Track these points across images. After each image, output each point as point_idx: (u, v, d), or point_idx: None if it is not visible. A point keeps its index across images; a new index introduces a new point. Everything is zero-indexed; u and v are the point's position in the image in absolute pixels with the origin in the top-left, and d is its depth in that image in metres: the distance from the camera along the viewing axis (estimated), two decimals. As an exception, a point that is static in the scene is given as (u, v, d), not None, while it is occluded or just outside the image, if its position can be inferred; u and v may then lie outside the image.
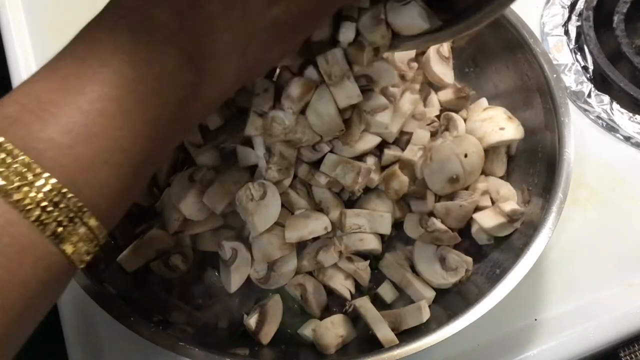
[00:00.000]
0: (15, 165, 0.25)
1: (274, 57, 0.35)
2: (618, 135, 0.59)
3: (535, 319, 0.50)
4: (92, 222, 0.27)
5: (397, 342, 0.43)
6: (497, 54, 0.55)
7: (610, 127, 0.59)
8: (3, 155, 0.25)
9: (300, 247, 0.48)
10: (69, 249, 0.26)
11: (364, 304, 0.46)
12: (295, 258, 0.47)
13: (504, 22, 0.53)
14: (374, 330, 0.44)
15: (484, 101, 0.55)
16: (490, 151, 0.51)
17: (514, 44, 0.53)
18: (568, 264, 0.52)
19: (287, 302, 0.48)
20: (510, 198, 0.50)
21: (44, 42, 0.62)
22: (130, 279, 0.46)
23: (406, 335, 0.45)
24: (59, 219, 0.26)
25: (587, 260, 0.53)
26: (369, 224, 0.47)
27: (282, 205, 0.45)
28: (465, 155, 0.49)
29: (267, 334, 0.46)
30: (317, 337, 0.45)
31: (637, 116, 0.59)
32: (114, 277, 0.45)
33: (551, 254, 0.53)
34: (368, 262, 0.48)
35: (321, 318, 0.47)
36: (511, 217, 0.47)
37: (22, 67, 0.61)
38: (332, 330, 0.45)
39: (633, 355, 0.52)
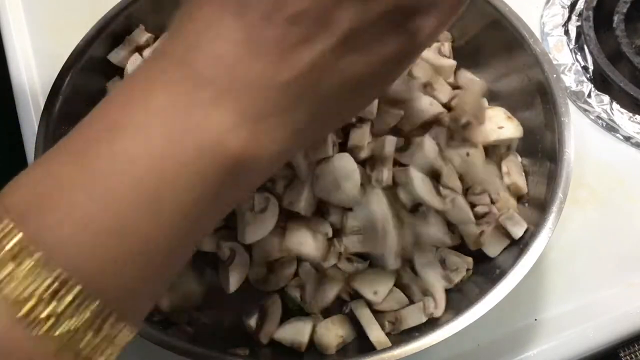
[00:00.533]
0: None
1: (344, 116, 0.31)
2: (618, 135, 0.59)
3: (535, 319, 0.50)
4: (125, 334, 0.24)
5: (390, 344, 0.43)
6: (497, 53, 0.55)
7: (610, 127, 0.59)
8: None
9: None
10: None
11: (359, 306, 0.46)
12: (295, 259, 0.47)
13: (504, 22, 0.53)
14: (367, 332, 0.44)
15: (483, 102, 0.55)
16: (490, 151, 0.51)
17: (514, 44, 0.52)
18: (568, 264, 0.52)
19: (287, 302, 0.48)
20: (510, 199, 0.50)
21: (44, 42, 0.62)
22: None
23: (406, 335, 0.45)
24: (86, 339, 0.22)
25: (587, 260, 0.53)
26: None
27: (282, 207, 0.45)
28: (467, 155, 0.49)
29: (267, 334, 0.46)
30: (317, 337, 0.45)
31: (637, 116, 0.59)
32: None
33: (551, 254, 0.53)
34: (367, 262, 0.48)
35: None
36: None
37: (22, 67, 0.61)
38: (332, 331, 0.45)
39: (633, 355, 0.52)
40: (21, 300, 0.21)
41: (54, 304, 0.21)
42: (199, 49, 0.25)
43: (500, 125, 0.50)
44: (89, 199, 0.22)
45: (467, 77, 0.55)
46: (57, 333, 0.21)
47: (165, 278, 0.26)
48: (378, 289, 0.45)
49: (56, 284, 0.21)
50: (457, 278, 0.47)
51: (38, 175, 0.24)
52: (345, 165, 0.44)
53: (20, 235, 0.21)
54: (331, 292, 0.46)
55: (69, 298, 0.21)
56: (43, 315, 0.21)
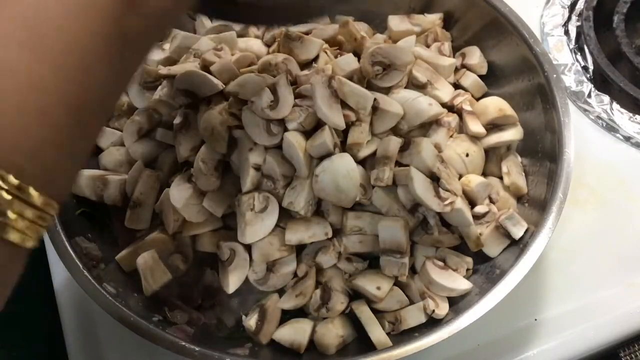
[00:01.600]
0: None
1: None
2: (618, 135, 0.59)
3: (535, 319, 0.50)
4: (38, 199, 0.21)
5: (390, 344, 0.43)
6: (497, 54, 0.55)
7: (610, 127, 0.59)
8: None
9: (299, 248, 0.48)
10: (15, 237, 0.21)
11: (360, 306, 0.46)
12: (295, 259, 0.47)
13: (504, 22, 0.53)
14: (368, 332, 0.44)
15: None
16: (490, 152, 0.51)
17: (514, 44, 0.53)
18: (568, 264, 0.52)
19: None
20: (510, 199, 0.50)
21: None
22: (130, 279, 0.46)
23: (406, 335, 0.45)
24: None
25: (587, 260, 0.53)
26: (370, 226, 0.47)
27: (282, 208, 0.45)
28: (467, 155, 0.49)
29: (267, 334, 0.46)
30: (317, 338, 0.45)
31: (637, 116, 0.59)
32: (114, 277, 0.45)
33: (551, 254, 0.53)
34: (367, 262, 0.48)
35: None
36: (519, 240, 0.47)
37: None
38: (333, 331, 0.45)
39: (633, 355, 0.52)
40: None
41: None
42: None
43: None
44: None
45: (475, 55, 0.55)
46: None
47: (77, 142, 0.23)
48: (381, 285, 0.45)
49: None
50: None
51: None
52: (345, 165, 0.44)
53: None
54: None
55: None
56: None
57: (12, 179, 0.20)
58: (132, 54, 0.25)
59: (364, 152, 0.46)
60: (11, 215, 0.21)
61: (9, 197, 0.20)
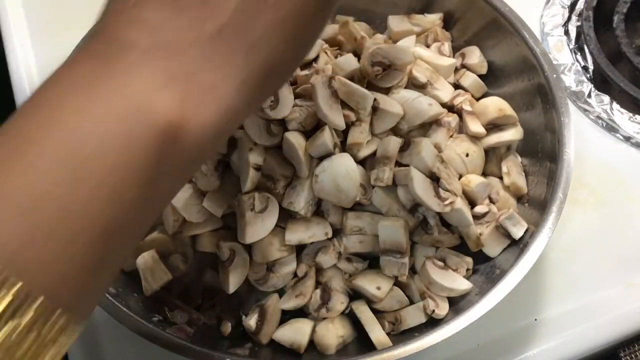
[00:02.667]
0: None
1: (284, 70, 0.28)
2: (618, 135, 0.59)
3: (535, 319, 0.50)
4: (63, 320, 0.21)
5: (391, 344, 0.43)
6: (497, 54, 0.55)
7: (610, 127, 0.59)
8: None
9: (299, 248, 0.48)
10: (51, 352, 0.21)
11: (360, 306, 0.46)
12: (295, 260, 0.47)
13: (504, 22, 0.53)
14: (368, 332, 0.44)
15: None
16: (490, 152, 0.51)
17: (514, 44, 0.53)
18: (568, 264, 0.52)
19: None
20: (510, 199, 0.50)
21: (44, 42, 0.62)
22: (129, 279, 0.46)
23: (406, 335, 0.45)
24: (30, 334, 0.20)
25: (587, 260, 0.53)
26: (370, 226, 0.47)
27: (282, 208, 0.45)
28: (467, 155, 0.49)
29: (267, 334, 0.46)
30: (317, 338, 0.45)
31: (637, 116, 0.59)
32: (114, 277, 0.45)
33: (551, 254, 0.53)
34: (367, 262, 0.48)
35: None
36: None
37: (22, 67, 0.61)
38: (333, 331, 0.45)
39: (633, 355, 0.52)
40: None
41: None
42: (121, 19, 0.23)
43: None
44: (20, 190, 0.21)
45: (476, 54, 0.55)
46: None
47: (107, 266, 0.24)
48: (381, 285, 0.45)
49: None
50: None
51: None
52: (345, 165, 0.44)
53: None
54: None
55: (9, 298, 0.19)
56: None
57: (42, 300, 0.20)
58: (169, 185, 0.25)
59: (364, 152, 0.46)
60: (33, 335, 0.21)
61: (34, 317, 0.20)
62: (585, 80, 0.61)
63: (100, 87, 0.22)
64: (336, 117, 0.44)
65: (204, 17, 0.23)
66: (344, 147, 0.46)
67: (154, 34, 0.23)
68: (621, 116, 0.59)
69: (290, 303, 0.46)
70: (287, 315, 0.47)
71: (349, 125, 0.46)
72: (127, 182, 0.22)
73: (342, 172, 0.44)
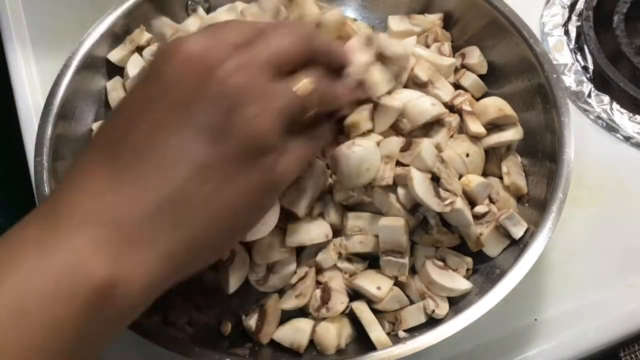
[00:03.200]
0: None
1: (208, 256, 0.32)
2: (618, 135, 0.59)
3: (535, 319, 0.50)
4: None
5: (391, 344, 0.43)
6: (497, 54, 0.55)
7: (610, 127, 0.59)
8: None
9: (299, 248, 0.48)
10: None
11: (360, 306, 0.46)
12: (295, 260, 0.47)
13: (504, 22, 0.53)
14: (368, 332, 0.44)
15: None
16: (490, 152, 0.51)
17: (514, 44, 0.53)
18: (568, 264, 0.52)
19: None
20: (510, 199, 0.50)
21: (44, 42, 0.62)
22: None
23: (406, 335, 0.45)
24: None
25: (587, 260, 0.53)
26: (370, 226, 0.47)
27: (282, 208, 0.45)
28: (467, 155, 0.49)
29: (267, 334, 0.46)
30: (317, 338, 0.45)
31: (637, 116, 0.59)
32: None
33: (551, 254, 0.53)
34: (367, 262, 0.48)
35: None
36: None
37: (22, 68, 0.61)
38: (333, 331, 0.45)
39: (633, 355, 0.52)
40: None
41: None
42: (72, 186, 0.28)
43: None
44: None
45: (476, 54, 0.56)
46: None
47: None
48: (381, 285, 0.45)
49: None
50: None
51: None
52: (367, 149, 0.44)
53: None
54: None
55: None
56: None
57: None
58: (100, 337, 0.29)
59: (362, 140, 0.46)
60: None
61: None
62: (585, 80, 0.61)
63: (45, 249, 0.26)
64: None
65: (140, 196, 0.28)
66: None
67: (96, 203, 0.27)
68: (621, 116, 0.59)
69: (290, 303, 0.46)
70: (287, 315, 0.47)
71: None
72: (57, 334, 0.25)
73: (363, 156, 0.44)
